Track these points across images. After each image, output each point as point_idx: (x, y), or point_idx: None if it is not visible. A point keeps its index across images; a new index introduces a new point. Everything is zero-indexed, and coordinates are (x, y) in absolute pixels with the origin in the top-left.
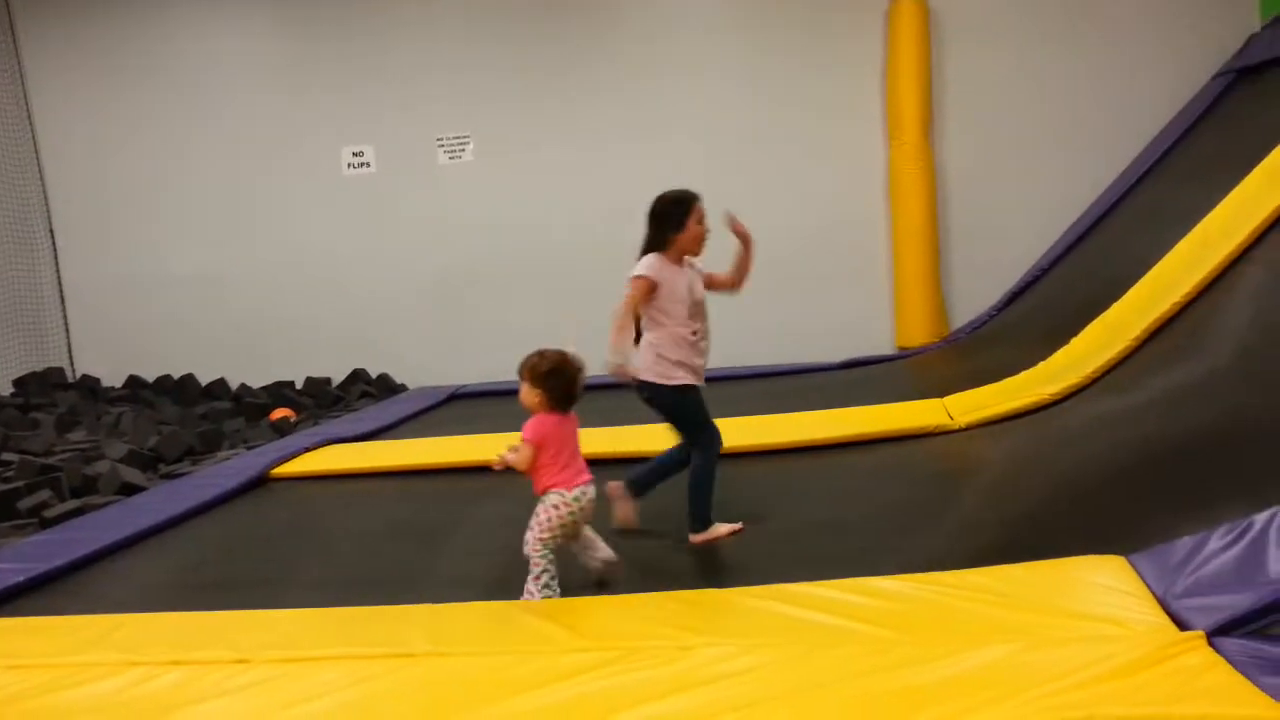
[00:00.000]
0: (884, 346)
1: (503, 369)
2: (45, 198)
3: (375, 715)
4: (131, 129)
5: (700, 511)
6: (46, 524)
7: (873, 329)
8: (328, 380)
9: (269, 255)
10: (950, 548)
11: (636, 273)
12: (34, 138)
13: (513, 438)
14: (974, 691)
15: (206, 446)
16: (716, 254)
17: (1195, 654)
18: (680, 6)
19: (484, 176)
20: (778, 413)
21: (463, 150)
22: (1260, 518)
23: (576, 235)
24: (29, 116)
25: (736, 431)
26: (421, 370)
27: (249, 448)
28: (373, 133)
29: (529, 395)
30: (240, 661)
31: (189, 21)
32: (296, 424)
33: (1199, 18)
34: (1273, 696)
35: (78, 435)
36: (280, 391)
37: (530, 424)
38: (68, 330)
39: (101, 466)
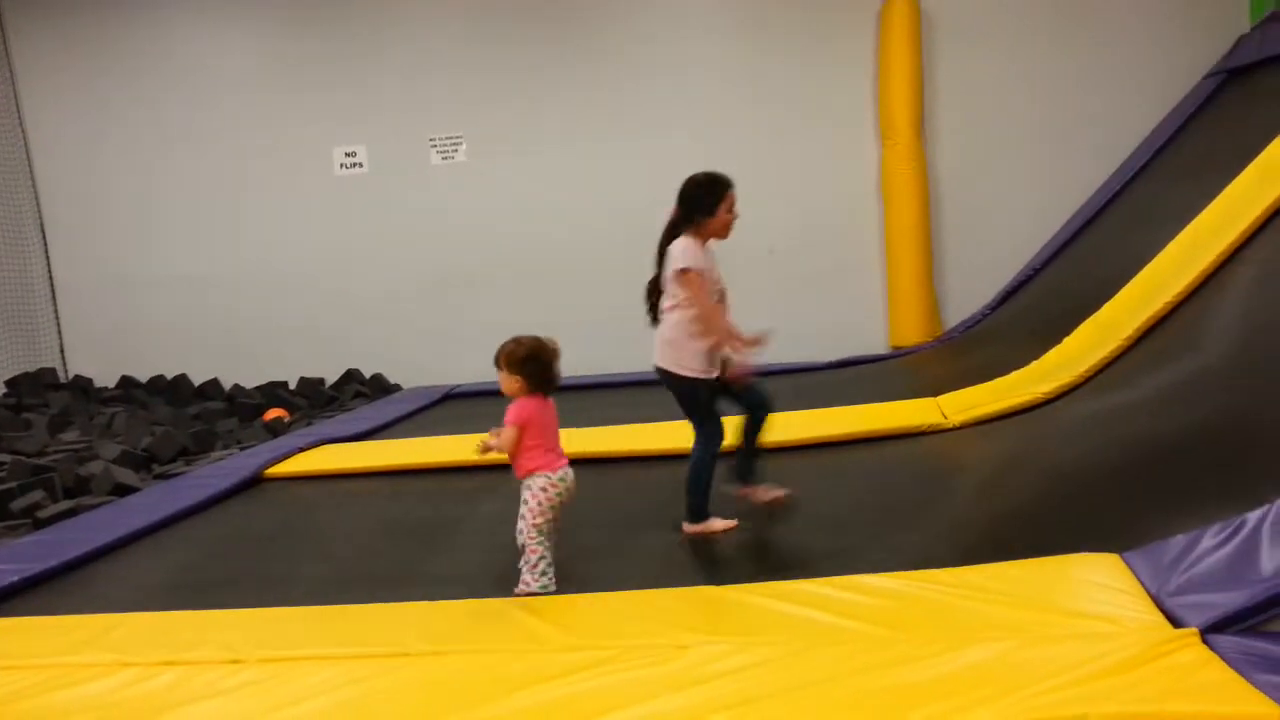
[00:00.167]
0: (877, 346)
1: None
2: (36, 197)
3: (370, 715)
4: (123, 128)
5: (695, 503)
6: (40, 524)
7: (866, 328)
8: (321, 380)
9: (262, 255)
10: (944, 546)
11: (684, 265)
12: (24, 136)
13: None
14: (968, 689)
15: (200, 447)
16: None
17: (1189, 651)
18: (672, 6)
19: (477, 177)
20: (771, 412)
21: (456, 150)
22: (1253, 515)
23: (569, 235)
24: (19, 116)
25: (730, 431)
26: (415, 370)
27: (242, 448)
28: (365, 133)
29: (508, 382)
30: (234, 662)
31: (180, 21)
32: (290, 424)
33: (1189, 18)
34: (1266, 693)
35: (71, 436)
36: (274, 392)
37: (513, 407)
38: (60, 330)
39: (95, 467)
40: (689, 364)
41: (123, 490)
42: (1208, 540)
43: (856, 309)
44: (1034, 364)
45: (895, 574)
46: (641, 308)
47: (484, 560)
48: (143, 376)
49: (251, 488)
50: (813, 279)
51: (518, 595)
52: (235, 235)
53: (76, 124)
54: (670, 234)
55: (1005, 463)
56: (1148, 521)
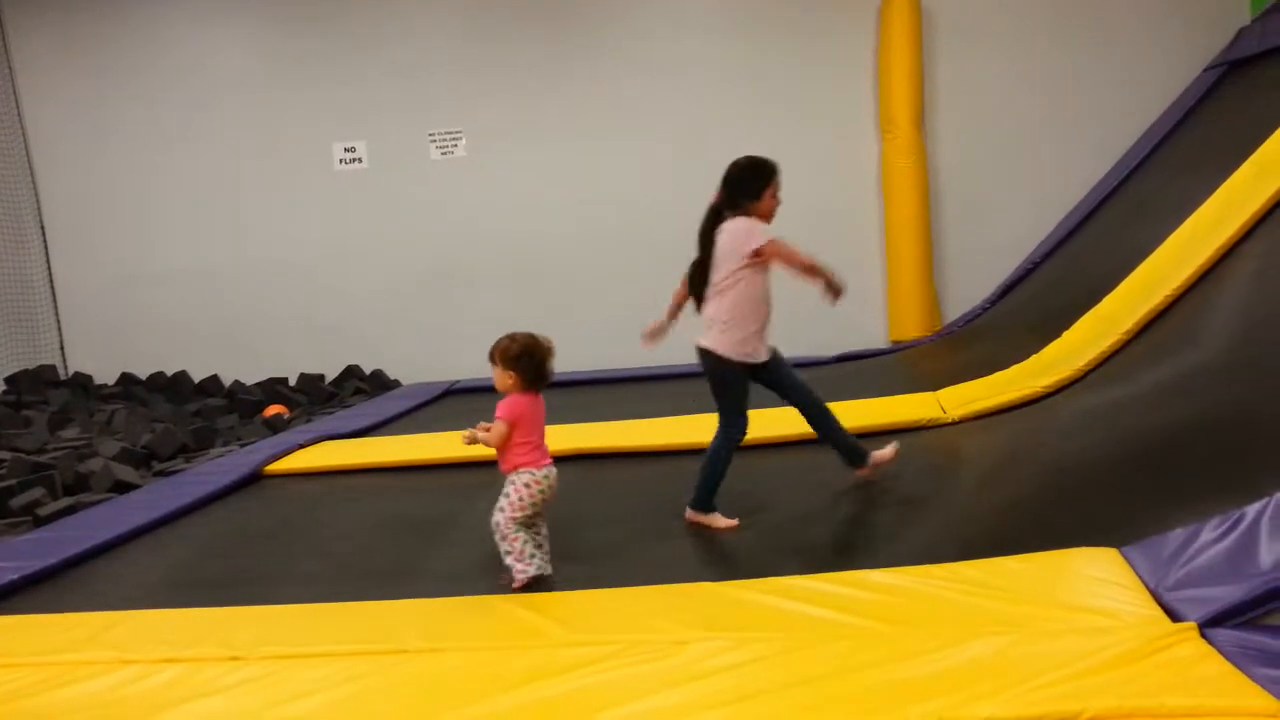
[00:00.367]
0: (877, 340)
1: None
2: (36, 195)
3: (369, 712)
4: (122, 125)
5: (704, 491)
6: (39, 522)
7: (866, 323)
8: (321, 377)
9: (261, 251)
10: (943, 541)
11: (761, 241)
12: (24, 134)
13: None
14: (967, 684)
15: (199, 444)
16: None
17: (1187, 645)
18: (671, 3)
19: (477, 172)
20: (770, 406)
21: (455, 145)
22: (1251, 509)
23: (570, 231)
24: (19, 113)
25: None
26: (415, 366)
27: (242, 445)
28: (365, 128)
29: (502, 378)
30: (234, 659)
31: (180, 18)
32: (290, 421)
33: (1190, 12)
34: (1264, 687)
35: (70, 433)
36: (273, 388)
37: (504, 403)
38: (59, 327)
39: (94, 464)
40: (736, 348)
41: (123, 487)
42: (1206, 534)
43: (856, 304)
44: (1033, 358)
45: (894, 569)
46: (639, 302)
47: (483, 557)
48: (143, 373)
49: (251, 485)
50: None
51: (516, 587)
52: (235, 231)
53: (76, 121)
54: (714, 218)
55: (1004, 457)
56: (1146, 516)
